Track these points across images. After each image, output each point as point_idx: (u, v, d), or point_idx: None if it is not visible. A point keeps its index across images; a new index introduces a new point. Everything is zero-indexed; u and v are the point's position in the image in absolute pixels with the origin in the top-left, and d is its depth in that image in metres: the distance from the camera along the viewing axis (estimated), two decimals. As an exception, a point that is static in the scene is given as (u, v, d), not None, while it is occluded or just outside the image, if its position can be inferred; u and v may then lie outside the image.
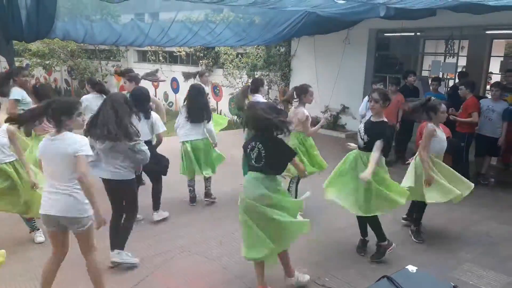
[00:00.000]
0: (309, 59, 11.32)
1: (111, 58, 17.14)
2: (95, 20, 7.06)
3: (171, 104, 15.24)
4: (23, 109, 4.76)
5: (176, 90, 14.97)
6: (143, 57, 16.51)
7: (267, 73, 12.23)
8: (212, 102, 14.00)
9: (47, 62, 16.89)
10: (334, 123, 10.69)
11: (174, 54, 14.82)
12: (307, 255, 4.24)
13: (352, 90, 10.25)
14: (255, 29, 7.92)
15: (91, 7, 7.41)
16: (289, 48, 11.92)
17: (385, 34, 10.30)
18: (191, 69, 14.29)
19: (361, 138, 4.08)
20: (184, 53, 14.36)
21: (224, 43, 8.19)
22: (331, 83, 10.63)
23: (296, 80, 11.99)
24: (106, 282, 3.33)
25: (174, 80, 15.04)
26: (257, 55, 12.22)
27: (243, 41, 8.17)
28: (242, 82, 12.72)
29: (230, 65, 12.62)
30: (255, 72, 12.29)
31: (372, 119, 4.13)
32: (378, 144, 3.88)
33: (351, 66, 10.28)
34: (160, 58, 15.13)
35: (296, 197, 4.94)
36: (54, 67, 17.46)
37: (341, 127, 10.75)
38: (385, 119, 4.06)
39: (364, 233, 4.36)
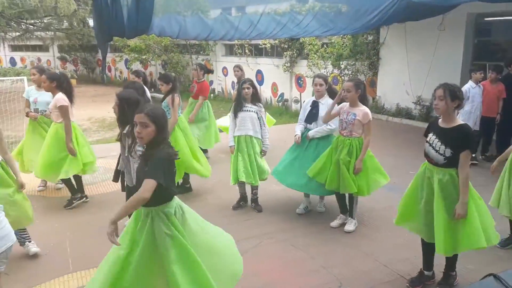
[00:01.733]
0: (400, 47, 10.81)
1: (201, 52, 17.90)
2: (187, 16, 7.40)
3: (256, 95, 15.52)
4: None
5: (260, 82, 15.22)
6: (230, 50, 16.99)
7: (354, 62, 11.92)
8: (295, 93, 14.03)
9: (144, 57, 18.20)
10: (427, 115, 10.12)
11: (260, 46, 15.05)
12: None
13: (447, 80, 9.38)
14: (343, 19, 7.75)
15: (183, 3, 7.79)
16: (378, 36, 11.49)
17: (486, 19, 9.47)
18: (276, 61, 14.45)
19: (437, 151, 3.25)
20: (269, 45, 14.52)
21: (311, 34, 8.12)
22: (424, 73, 10.05)
23: (385, 70, 11.55)
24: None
25: (259, 72, 15.30)
26: (343, 44, 11.95)
27: (331, 31, 8.03)
28: (327, 73, 12.55)
29: (315, 56, 12.51)
30: (341, 62, 12.04)
31: (442, 123, 3.31)
32: (464, 158, 3.14)
33: (446, 54, 9.63)
34: (246, 51, 15.46)
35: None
36: (149, 62, 18.74)
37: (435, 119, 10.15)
38: (461, 121, 3.29)
39: (428, 266, 3.61)
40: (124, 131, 3.71)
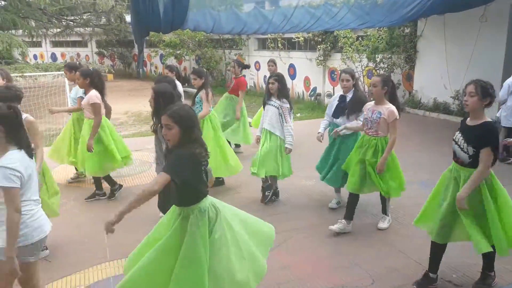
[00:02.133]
0: (438, 40, 10.47)
1: (234, 47, 17.96)
2: (221, 10, 7.44)
3: (287, 90, 15.43)
4: None
5: (292, 76, 15.12)
6: (262, 44, 16.96)
7: (390, 55, 11.64)
8: (328, 87, 13.86)
9: (178, 52, 18.47)
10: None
11: (293, 40, 14.94)
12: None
13: (489, 74, 9.14)
14: (379, 11, 7.56)
15: (216, -3, 7.83)
16: (415, 28, 11.16)
17: (532, 9, 9.01)
18: (309, 54, 14.31)
19: (462, 149, 3.16)
20: (302, 38, 14.39)
21: (346, 27, 7.98)
22: (463, 66, 9.70)
23: (422, 63, 11.22)
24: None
25: (291, 66, 15.21)
26: (378, 37, 11.68)
27: (367, 24, 7.86)
28: (361, 66, 12.32)
29: (349, 49, 12.29)
30: (376, 55, 11.78)
31: (469, 121, 3.21)
32: (484, 155, 3.03)
33: (487, 47, 9.24)
34: (279, 45, 15.39)
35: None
36: (184, 57, 19.00)
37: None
38: (488, 119, 3.15)
39: (435, 267, 3.47)
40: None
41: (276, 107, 4.93)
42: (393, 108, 4.19)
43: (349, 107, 4.71)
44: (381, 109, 4.18)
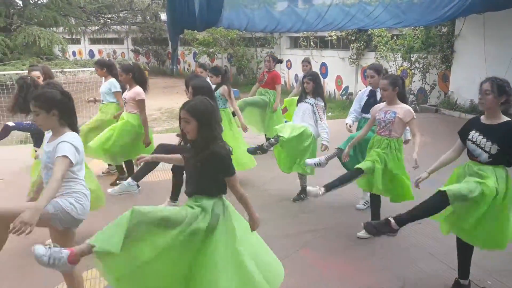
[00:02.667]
0: (477, 40, 10.13)
1: (266, 45, 18.00)
2: (254, 9, 7.48)
3: (320, 89, 15.33)
4: None
5: (324, 75, 15.01)
6: (294, 43, 16.92)
7: (425, 55, 11.37)
8: (361, 86, 13.68)
9: (211, 50, 18.67)
10: (505, 112, 9.42)
11: (325, 39, 14.82)
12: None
13: (530, 74, 8.87)
14: (416, 10, 7.40)
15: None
16: (453, 27, 10.85)
17: None
18: (341, 53, 14.16)
19: (482, 148, 3.08)
20: (335, 37, 14.25)
21: (381, 25, 7.86)
22: (503, 67, 9.35)
23: (459, 63, 10.90)
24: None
25: (323, 65, 15.10)
26: (414, 36, 11.44)
27: (403, 23, 7.72)
28: (396, 65, 12.09)
29: (384, 48, 12.09)
30: (412, 55, 11.53)
31: (485, 120, 3.13)
32: None
33: (530, 47, 8.89)
34: (311, 43, 15.30)
35: None
36: (216, 55, 19.19)
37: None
38: (506, 118, 3.08)
39: (465, 273, 3.36)
40: None
41: (310, 104, 4.98)
42: (408, 107, 4.08)
43: (381, 101, 4.61)
44: (395, 109, 4.05)
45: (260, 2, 8.93)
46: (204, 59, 19.35)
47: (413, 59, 11.59)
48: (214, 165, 2.57)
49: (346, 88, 14.29)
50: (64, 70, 14.10)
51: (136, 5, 20.37)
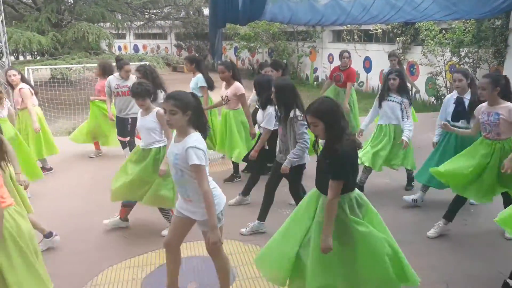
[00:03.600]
0: (534, 32, 9.55)
1: (308, 39, 17.80)
2: (297, 2, 7.38)
3: (361, 84, 15.00)
4: None
5: (368, 69, 14.66)
6: (337, 37, 16.62)
7: (476, 49, 10.83)
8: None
9: (252, 44, 18.69)
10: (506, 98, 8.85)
11: (370, 32, 14.45)
12: None
13: None
14: (468, 2, 7.01)
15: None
16: (507, 20, 10.24)
17: None
18: (386, 47, 13.76)
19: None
20: (380, 30, 13.87)
21: (430, 18, 7.52)
22: None
23: (513, 58, 10.31)
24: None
25: (367, 59, 14.74)
26: (464, 29, 10.91)
27: (453, 15, 7.33)
28: (444, 60, 11.61)
29: (431, 42, 11.62)
30: (461, 49, 11.02)
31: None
32: None
33: None
34: (355, 37, 14.97)
35: None
36: (257, 49, 19.19)
37: None
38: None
39: None
40: (291, 115, 3.87)
41: (398, 102, 4.95)
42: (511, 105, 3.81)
43: (470, 109, 4.38)
44: (497, 109, 3.80)
45: (303, -5, 8.83)
46: (245, 53, 19.42)
47: (462, 53, 11.08)
48: (331, 164, 2.66)
49: (390, 83, 13.90)
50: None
51: (180, 0, 20.71)
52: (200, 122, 2.86)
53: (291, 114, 3.86)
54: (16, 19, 18.58)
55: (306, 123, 3.78)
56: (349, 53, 7.15)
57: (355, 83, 7.11)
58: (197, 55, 6.27)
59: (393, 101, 4.97)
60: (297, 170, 4.03)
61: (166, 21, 23.39)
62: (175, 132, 2.92)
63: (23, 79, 5.83)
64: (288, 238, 2.91)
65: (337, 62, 16.14)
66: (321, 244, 2.65)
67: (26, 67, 11.03)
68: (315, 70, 17.58)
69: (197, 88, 5.91)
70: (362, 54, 14.64)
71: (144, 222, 4.66)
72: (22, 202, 3.57)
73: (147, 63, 6.98)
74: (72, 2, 19.09)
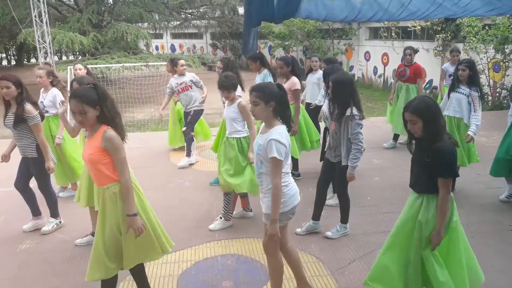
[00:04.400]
0: None
1: (343, 36, 17.54)
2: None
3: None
4: None
5: (407, 67, 14.26)
6: (374, 34, 16.29)
7: (523, 46, 10.34)
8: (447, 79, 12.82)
9: (286, 43, 18.60)
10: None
11: (408, 29, 14.08)
12: None
13: None
14: (514, -5, 6.70)
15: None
16: (557, 15, 9.73)
17: None
18: (426, 44, 13.36)
19: None
20: (419, 27, 13.48)
21: (472, 13, 7.20)
22: None
23: None
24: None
25: (406, 57, 14.36)
26: (509, 25, 10.43)
27: (497, 10, 6.98)
28: (487, 58, 11.16)
29: (474, 39, 11.18)
30: (506, 46, 10.55)
31: None
32: None
33: None
34: (393, 34, 14.62)
35: None
36: (292, 47, 19.10)
37: None
38: None
39: None
40: (347, 114, 3.78)
41: (466, 95, 4.80)
42: None
43: None
44: None
45: (339, -7, 8.70)
46: (280, 52, 19.36)
47: (507, 50, 10.60)
48: (434, 162, 2.66)
49: (430, 81, 13.49)
50: (148, 63, 14.89)
51: (215, 0, 20.91)
52: (285, 114, 2.86)
53: (348, 112, 3.76)
54: (59, 20, 19.31)
55: (362, 123, 3.76)
56: (411, 49, 7.02)
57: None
58: (258, 52, 6.33)
59: (460, 92, 4.81)
60: (345, 170, 3.93)
61: (202, 20, 23.67)
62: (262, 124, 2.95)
63: (89, 74, 5.92)
64: (399, 251, 2.91)
65: (374, 60, 15.88)
66: (433, 240, 2.69)
67: (68, 67, 11.46)
68: (351, 68, 17.32)
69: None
70: (400, 52, 14.26)
71: (182, 218, 4.74)
72: None
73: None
74: (112, 3, 19.65)
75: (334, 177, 4.13)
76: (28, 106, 4.05)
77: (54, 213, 4.56)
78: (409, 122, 2.73)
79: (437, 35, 12.77)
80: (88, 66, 6.66)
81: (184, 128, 6.56)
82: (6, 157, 4.38)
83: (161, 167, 6.55)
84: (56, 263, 3.90)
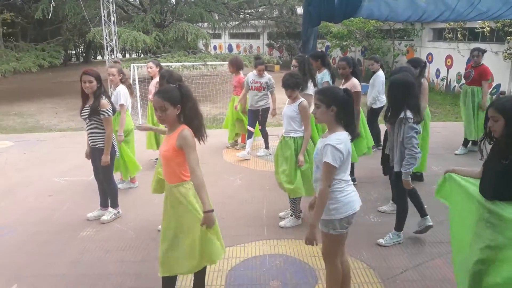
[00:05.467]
0: None
1: (405, 37, 16.91)
2: (397, -1, 7.04)
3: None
4: None
5: (473, 71, 13.47)
6: (438, 35, 15.55)
7: None
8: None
9: (345, 43, 18.24)
10: None
11: (476, 30, 13.29)
12: None
13: None
14: None
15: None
16: None
17: None
18: (495, 47, 12.55)
19: None
20: (488, 29, 12.68)
21: (550, 13, 6.71)
22: None
23: None
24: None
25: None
26: None
27: None
28: None
29: (551, 41, 10.35)
30: None
31: None
32: None
33: None
34: (458, 35, 13.88)
35: None
36: (350, 48, 18.70)
37: None
38: None
39: None
40: (401, 116, 3.69)
41: None
42: None
43: None
44: None
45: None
46: (337, 52, 19.06)
47: None
48: None
49: (498, 86, 12.65)
50: (207, 63, 15.23)
51: (274, 0, 20.95)
52: (348, 120, 2.78)
53: (401, 115, 3.66)
54: (124, 20, 20.24)
55: (417, 127, 3.60)
56: (479, 50, 6.76)
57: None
58: (320, 50, 6.43)
59: None
60: (398, 176, 3.80)
61: (260, 20, 23.82)
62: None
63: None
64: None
65: (437, 62, 15.17)
66: None
67: (132, 64, 11.98)
68: (437, 72, 16.66)
69: (320, 84, 5.76)
70: (465, 54, 13.52)
71: (231, 215, 4.80)
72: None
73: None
74: (174, 3, 20.29)
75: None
76: (104, 100, 4.32)
77: (114, 204, 4.79)
78: (491, 119, 2.52)
79: (508, 37, 11.95)
80: (134, 65, 6.97)
81: (260, 127, 6.98)
82: (88, 155, 4.66)
83: (214, 164, 6.67)
84: (112, 251, 4.09)
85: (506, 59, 12.19)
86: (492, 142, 2.62)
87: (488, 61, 12.81)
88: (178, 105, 2.79)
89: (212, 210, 2.79)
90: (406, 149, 3.65)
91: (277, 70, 21.37)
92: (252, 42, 28.42)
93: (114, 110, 4.44)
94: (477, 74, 6.65)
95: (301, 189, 4.25)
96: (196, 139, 2.86)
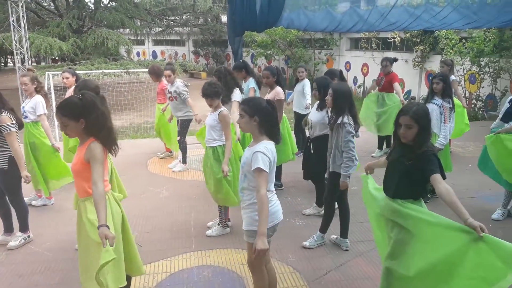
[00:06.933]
0: (558, 42, 9.30)
1: (325, 46, 17.73)
2: (315, 10, 7.35)
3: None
4: None
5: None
6: (355, 44, 16.52)
7: (497, 59, 10.61)
8: (425, 90, 13.05)
9: (269, 52, 18.69)
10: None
11: (388, 40, 14.33)
12: None
13: None
14: (489, 10, 6.87)
15: (311, -2, 7.74)
16: (531, 29, 10.04)
17: None
18: (405, 56, 13.60)
19: None
20: (398, 39, 13.73)
21: (449, 26, 7.39)
22: None
23: (536, 68, 10.07)
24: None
25: (385, 67, 14.58)
26: (485, 39, 10.71)
27: (473, 24, 7.20)
28: (463, 70, 11.42)
29: (451, 51, 11.44)
30: (481, 59, 10.82)
31: None
32: None
33: None
34: (373, 45, 14.85)
35: None
36: (274, 57, 19.19)
37: None
38: None
39: None
40: (339, 121, 3.81)
41: (438, 105, 4.95)
42: None
43: None
44: None
45: (321, 4, 8.78)
46: (262, 61, 19.46)
47: (482, 63, 10.87)
48: (421, 165, 2.65)
49: (409, 92, 13.72)
50: (129, 70, 14.74)
51: (199, 8, 20.89)
52: (271, 131, 2.84)
53: (339, 120, 3.81)
54: (38, 25, 18.99)
55: (353, 131, 3.80)
56: (387, 60, 7.27)
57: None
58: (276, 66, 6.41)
59: (434, 103, 4.95)
60: (337, 178, 3.93)
61: (184, 28, 23.61)
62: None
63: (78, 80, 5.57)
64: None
65: (354, 70, 16.07)
66: None
67: (46, 72, 11.24)
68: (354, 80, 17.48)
69: (247, 91, 5.72)
70: (380, 62, 14.49)
71: (157, 228, 4.65)
72: (118, 187, 3.73)
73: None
74: (93, 8, 19.43)
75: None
76: (2, 116, 3.91)
77: (24, 227, 4.34)
78: (404, 127, 2.70)
79: (416, 47, 13.02)
80: (49, 73, 6.47)
81: (178, 138, 6.54)
82: None
83: (138, 175, 6.43)
84: (25, 275, 3.76)
85: (415, 67, 13.25)
86: (398, 148, 2.84)
87: (399, 69, 13.82)
88: (81, 118, 2.64)
89: (106, 225, 2.57)
90: (344, 152, 3.81)
91: (204, 78, 21.30)
92: (177, 49, 28.05)
93: (20, 124, 4.08)
94: (387, 82, 7.10)
95: (232, 198, 4.22)
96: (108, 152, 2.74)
